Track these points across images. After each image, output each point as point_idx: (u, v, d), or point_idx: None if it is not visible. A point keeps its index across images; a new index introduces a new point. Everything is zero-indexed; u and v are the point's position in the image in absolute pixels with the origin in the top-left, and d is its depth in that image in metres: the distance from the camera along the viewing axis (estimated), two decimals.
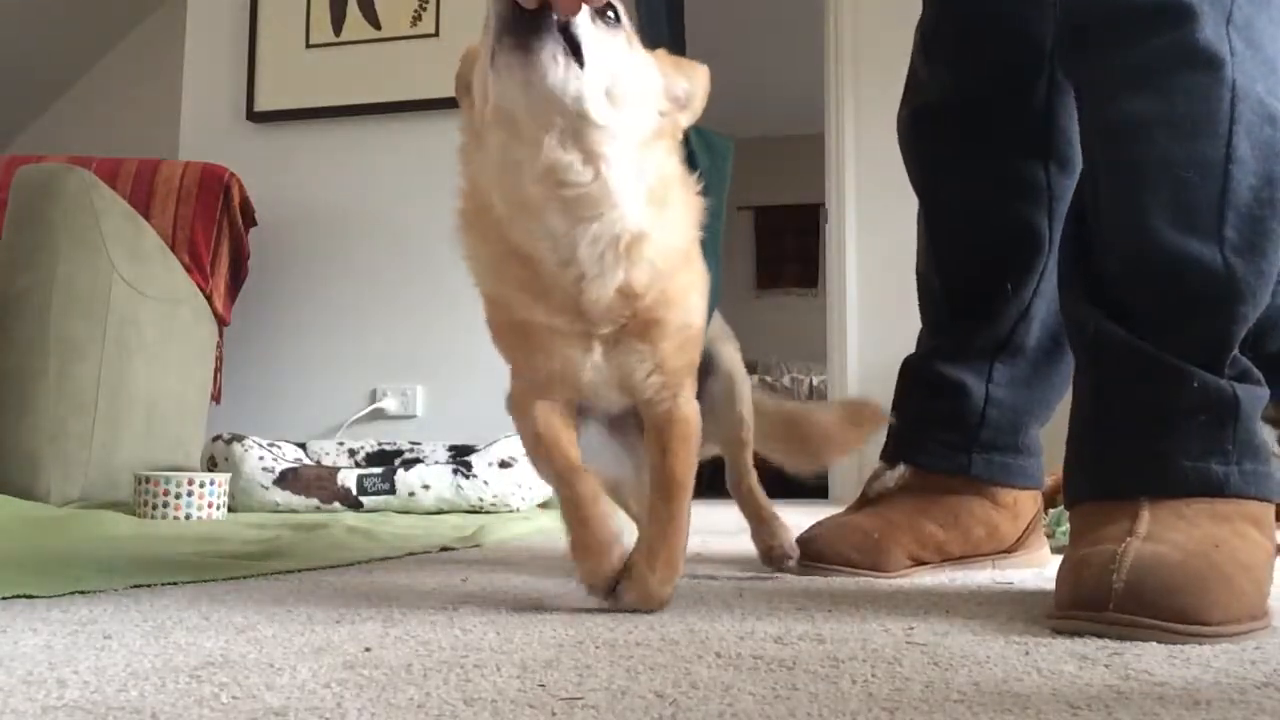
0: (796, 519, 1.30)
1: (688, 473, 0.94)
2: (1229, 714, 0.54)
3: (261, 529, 1.85)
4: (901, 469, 1.28)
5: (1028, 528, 1.31)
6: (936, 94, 1.29)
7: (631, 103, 0.82)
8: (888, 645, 0.73)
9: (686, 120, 0.91)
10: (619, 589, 0.88)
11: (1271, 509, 0.88)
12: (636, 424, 0.99)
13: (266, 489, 2.46)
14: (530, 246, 0.85)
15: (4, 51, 4.42)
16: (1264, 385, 0.90)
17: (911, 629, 0.81)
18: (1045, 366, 1.28)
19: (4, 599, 0.92)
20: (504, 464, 2.52)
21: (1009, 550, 1.29)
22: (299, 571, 1.19)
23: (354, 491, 2.46)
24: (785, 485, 1.67)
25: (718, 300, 1.06)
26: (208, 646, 0.71)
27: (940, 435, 1.28)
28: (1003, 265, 1.26)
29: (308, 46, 3.49)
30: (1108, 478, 0.90)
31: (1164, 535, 0.81)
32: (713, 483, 1.27)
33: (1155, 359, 0.89)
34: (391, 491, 2.47)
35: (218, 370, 3.02)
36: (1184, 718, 0.53)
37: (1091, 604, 0.77)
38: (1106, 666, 0.66)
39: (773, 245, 7.35)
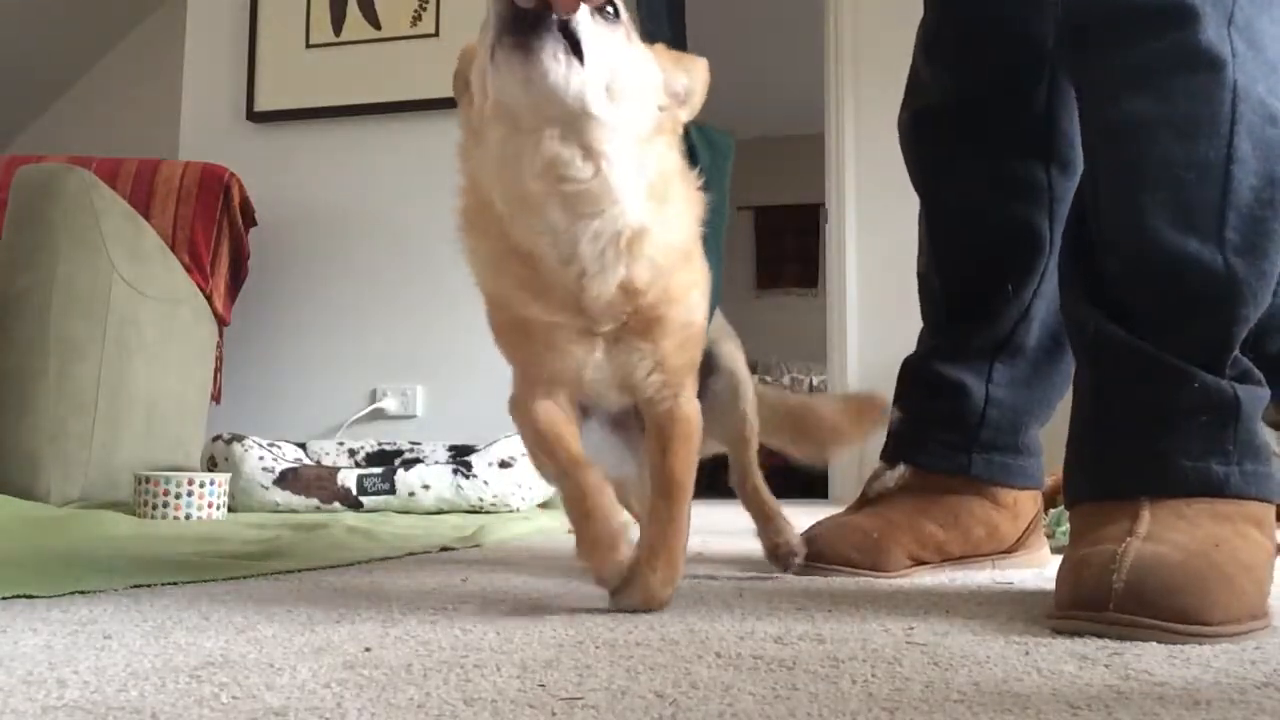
0: (797, 519, 1.30)
1: (688, 473, 0.94)
2: (1229, 714, 0.54)
3: (261, 529, 1.85)
4: (901, 469, 1.28)
5: (1028, 528, 1.31)
6: (938, 96, 1.30)
7: (631, 98, 0.82)
8: (888, 645, 0.73)
9: (686, 115, 0.91)
10: (618, 590, 0.88)
11: (1272, 510, 0.88)
12: (638, 423, 0.99)
13: (266, 489, 2.46)
14: (531, 243, 0.85)
15: (4, 51, 4.42)
16: (1265, 386, 0.90)
17: (911, 629, 0.81)
18: (1045, 366, 1.29)
19: (4, 599, 0.92)
20: (504, 464, 2.52)
21: (1009, 550, 1.29)
22: (299, 571, 1.19)
23: (354, 491, 2.46)
24: (785, 485, 1.67)
25: (719, 298, 1.06)
26: (208, 646, 0.71)
27: (940, 435, 1.28)
28: (1003, 266, 1.26)
29: (308, 46, 3.49)
30: (1108, 478, 0.90)
31: (1164, 535, 0.81)
32: (713, 483, 1.26)
33: (1155, 359, 0.89)
34: (391, 491, 2.47)
35: (218, 370, 3.02)
36: (1184, 718, 0.53)
37: (1092, 604, 0.77)
38: (1106, 666, 0.66)
39: (773, 245, 7.35)
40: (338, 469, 2.54)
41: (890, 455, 1.31)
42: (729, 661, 0.67)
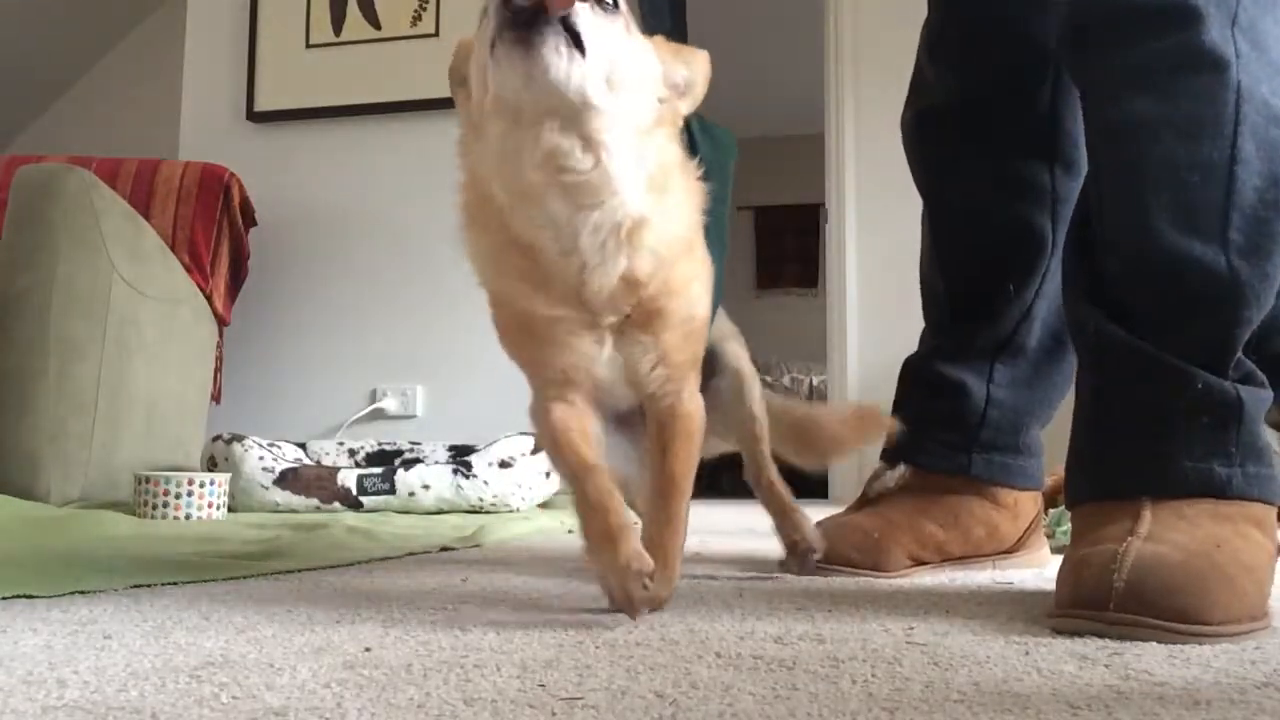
0: None
1: (687, 472, 0.94)
2: (1229, 714, 0.54)
3: (261, 529, 1.85)
4: (902, 469, 1.28)
5: (1028, 528, 1.31)
6: (941, 96, 1.29)
7: (631, 89, 0.82)
8: (888, 645, 0.73)
9: (687, 108, 0.91)
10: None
11: (1273, 511, 0.88)
12: (643, 421, 0.98)
13: (266, 489, 2.46)
14: (531, 236, 0.84)
15: (4, 51, 4.42)
16: (1268, 388, 0.90)
17: (911, 629, 0.81)
18: (1046, 367, 1.28)
19: (4, 599, 0.92)
20: (504, 464, 2.52)
21: (1009, 551, 1.29)
22: (299, 571, 1.19)
23: (354, 491, 2.46)
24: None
25: (722, 293, 1.06)
26: (208, 646, 0.71)
27: (940, 435, 1.28)
28: (1005, 266, 1.26)
29: (308, 46, 3.49)
30: (1109, 478, 0.90)
31: (1165, 535, 0.81)
32: (713, 482, 1.26)
33: (1157, 360, 0.89)
34: (391, 491, 2.47)
35: (218, 370, 3.02)
36: (1184, 718, 0.53)
37: (1092, 603, 0.77)
38: (1106, 666, 0.66)
39: (773, 245, 7.35)
40: (338, 469, 2.54)
41: (890, 455, 1.31)
42: (729, 661, 0.67)
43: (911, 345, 1.37)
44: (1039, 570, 1.28)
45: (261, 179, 3.25)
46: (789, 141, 6.67)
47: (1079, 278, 0.98)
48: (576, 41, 0.77)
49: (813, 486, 3.40)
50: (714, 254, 0.97)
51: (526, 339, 0.91)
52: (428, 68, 3.30)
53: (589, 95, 0.78)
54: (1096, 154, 0.97)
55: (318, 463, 2.70)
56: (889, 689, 0.59)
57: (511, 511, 2.48)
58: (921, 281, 1.37)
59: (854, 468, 3.26)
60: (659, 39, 0.90)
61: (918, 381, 1.33)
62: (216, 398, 3.03)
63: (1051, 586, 0.88)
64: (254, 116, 3.50)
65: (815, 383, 4.89)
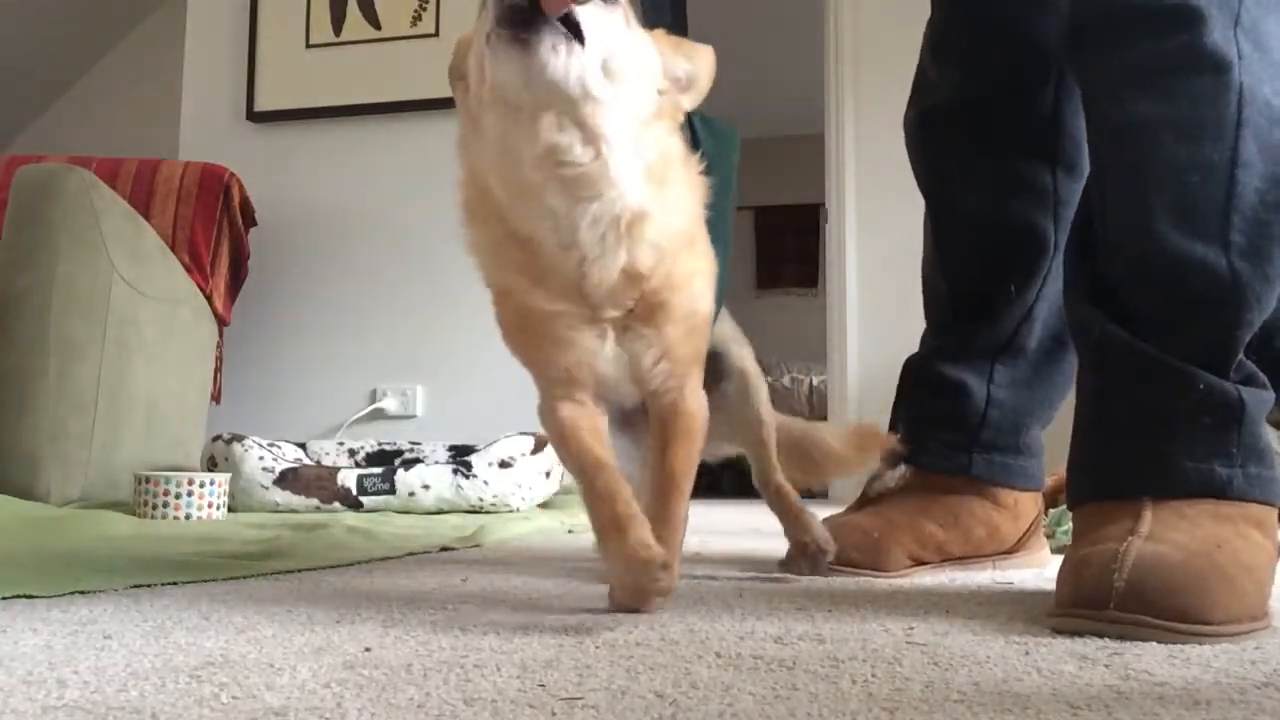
0: None
1: (687, 471, 0.94)
2: (1229, 714, 0.54)
3: (261, 529, 1.85)
4: (902, 469, 1.28)
5: (1029, 529, 1.31)
6: (944, 96, 1.29)
7: (629, 81, 0.82)
8: (888, 645, 0.73)
9: (690, 102, 0.90)
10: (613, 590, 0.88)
11: (1274, 512, 0.88)
12: (646, 422, 0.98)
13: (266, 489, 2.45)
14: (530, 229, 0.84)
15: (4, 51, 4.42)
16: (1269, 389, 0.90)
17: (911, 629, 0.81)
18: (1047, 367, 1.28)
19: (4, 599, 0.92)
20: (504, 464, 2.52)
21: (1010, 551, 1.29)
22: (299, 571, 1.19)
23: (354, 491, 2.46)
24: None
25: (726, 287, 1.05)
26: (208, 646, 0.71)
27: (941, 435, 1.28)
28: (1007, 267, 1.26)
29: (308, 46, 3.49)
30: (1110, 478, 0.90)
31: (1166, 535, 0.81)
32: (713, 483, 1.26)
33: (1159, 361, 0.89)
34: (391, 491, 2.47)
35: (218, 370, 3.02)
36: (1184, 718, 0.53)
37: (1092, 602, 0.77)
38: (1106, 666, 0.66)
39: (773, 245, 7.35)
40: (338, 469, 2.54)
41: (891, 455, 1.31)
42: (729, 661, 0.67)
43: (911, 345, 1.37)
44: (1039, 570, 1.28)
45: (261, 179, 3.25)
46: (789, 141, 6.67)
47: (1081, 279, 0.98)
48: (575, 32, 0.77)
49: (812, 487, 3.40)
50: (717, 249, 0.96)
51: (529, 335, 0.91)
52: (428, 68, 3.30)
53: (587, 85, 0.78)
54: (1098, 155, 0.97)
55: (318, 463, 2.70)
56: (889, 689, 0.59)
57: (511, 511, 2.48)
58: (923, 282, 1.37)
59: None
60: (659, 32, 0.90)
61: (918, 381, 1.33)
62: (216, 398, 3.03)
63: (1051, 586, 0.88)
64: (254, 116, 3.50)
65: (815, 383, 4.89)
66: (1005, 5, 1.23)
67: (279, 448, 2.70)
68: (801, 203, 6.88)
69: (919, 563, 1.22)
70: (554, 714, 0.53)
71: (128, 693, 0.57)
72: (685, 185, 0.89)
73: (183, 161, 3.06)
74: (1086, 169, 1.04)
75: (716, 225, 0.96)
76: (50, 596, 0.95)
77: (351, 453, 2.87)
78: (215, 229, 2.92)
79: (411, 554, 1.42)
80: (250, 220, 3.09)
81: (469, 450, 2.73)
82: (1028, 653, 0.71)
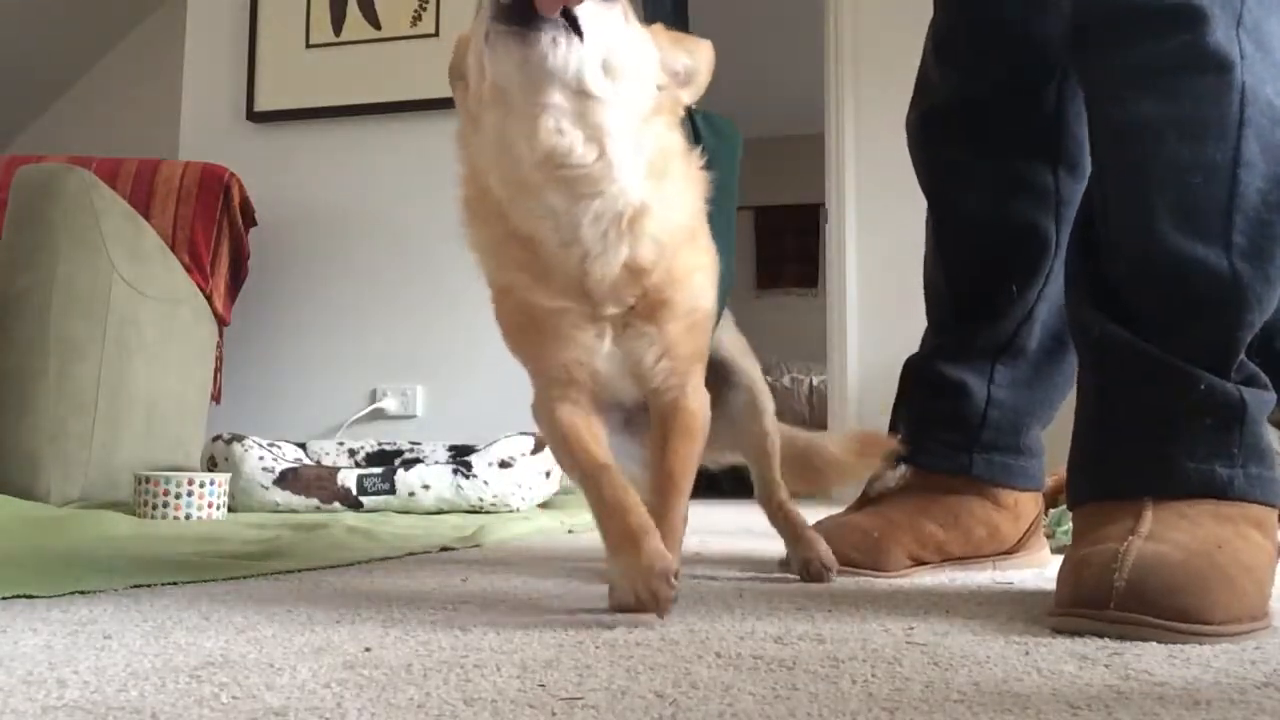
0: None
1: (687, 470, 0.93)
2: (1229, 714, 0.54)
3: (261, 529, 1.85)
4: (902, 469, 1.28)
5: (1029, 529, 1.31)
6: (946, 96, 1.29)
7: (629, 76, 0.82)
8: (888, 645, 0.73)
9: (689, 97, 0.90)
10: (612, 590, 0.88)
11: (1274, 513, 0.88)
12: (648, 422, 0.98)
13: (266, 489, 2.45)
14: (531, 227, 0.84)
15: (4, 51, 4.42)
16: (1270, 390, 0.90)
17: (911, 629, 0.81)
18: (1047, 368, 1.28)
19: (4, 599, 0.92)
20: (504, 464, 2.52)
21: (1010, 551, 1.29)
22: (299, 571, 1.19)
23: (354, 491, 2.46)
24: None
25: (730, 286, 1.05)
26: (208, 646, 0.71)
27: (941, 435, 1.28)
28: (1007, 267, 1.26)
29: (308, 46, 3.48)
30: (1111, 478, 0.90)
31: (1166, 535, 0.81)
32: (713, 483, 1.26)
33: (1160, 361, 0.89)
34: (391, 491, 2.47)
35: (218, 370, 3.02)
36: (1184, 718, 0.53)
37: (1092, 602, 0.77)
38: (1106, 666, 0.66)
39: (773, 245, 7.34)
40: (338, 469, 2.53)
41: (892, 457, 1.31)
42: (729, 661, 0.67)
43: (911, 345, 1.37)
44: (1039, 570, 1.28)
45: (261, 179, 3.25)
46: (789, 141, 6.67)
47: (1082, 279, 0.98)
48: (574, 27, 0.77)
49: None
50: (720, 245, 0.96)
51: (528, 333, 0.90)
52: (428, 68, 3.30)
53: (586, 82, 0.78)
54: (1100, 155, 0.97)
55: (318, 463, 2.70)
56: (889, 689, 0.59)
57: (511, 511, 2.48)
58: (925, 281, 1.37)
59: None
60: (658, 27, 0.90)
61: (919, 381, 1.33)
62: (216, 398, 3.03)
63: (1051, 586, 0.88)
64: (254, 116, 3.50)
65: (815, 383, 4.89)
66: (1005, 6, 1.23)
67: (279, 448, 2.70)
68: (801, 203, 6.88)
69: (919, 563, 1.22)
70: (554, 714, 0.53)
71: (128, 693, 0.57)
72: (685, 180, 0.89)
73: (183, 161, 3.06)
74: (1088, 169, 1.04)
75: (719, 223, 0.96)
76: (50, 596, 0.95)
77: (351, 453, 2.87)
78: (215, 229, 2.92)
79: (411, 554, 1.42)
80: (250, 220, 3.09)
81: (469, 450, 2.73)
82: (1028, 653, 0.71)
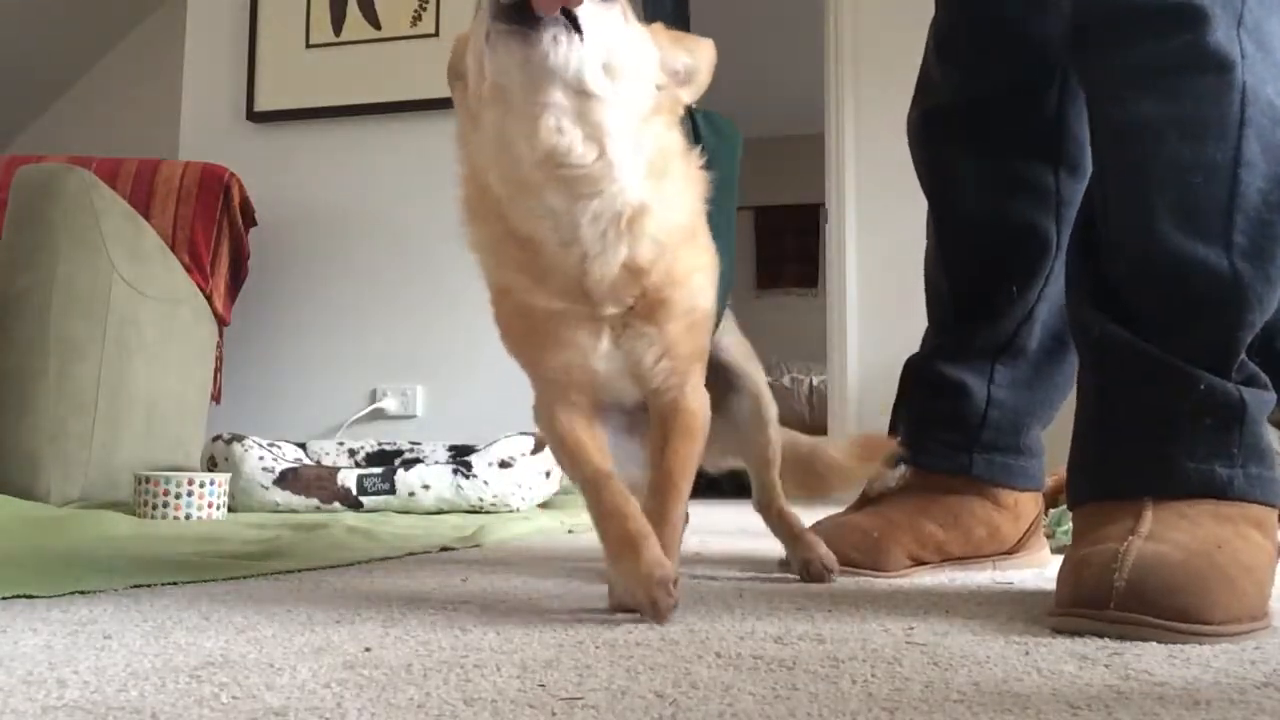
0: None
1: (685, 470, 0.93)
2: (1229, 714, 0.54)
3: (261, 529, 1.85)
4: (902, 468, 1.28)
5: (1029, 529, 1.31)
6: (948, 96, 1.29)
7: (629, 76, 0.81)
8: (888, 645, 0.73)
9: (689, 96, 0.90)
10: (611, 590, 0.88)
11: (1274, 513, 0.88)
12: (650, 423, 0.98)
13: (266, 489, 2.45)
14: (531, 227, 0.84)
15: (4, 51, 4.42)
16: (1270, 390, 0.90)
17: (911, 629, 0.81)
18: (1047, 368, 1.28)
19: (4, 599, 0.92)
20: (504, 464, 2.52)
21: (1010, 551, 1.29)
22: (299, 571, 1.19)
23: (354, 491, 2.46)
24: None
25: (731, 285, 1.05)
26: (208, 646, 0.71)
27: (941, 435, 1.28)
28: (1007, 267, 1.26)
29: (308, 46, 3.48)
30: (1111, 478, 0.90)
31: (1166, 535, 0.81)
32: (713, 483, 1.26)
33: (1161, 362, 0.89)
34: (391, 491, 2.47)
35: (218, 370, 3.02)
36: (1184, 718, 0.53)
37: (1092, 602, 0.77)
38: (1106, 666, 0.66)
39: (773, 245, 7.35)
40: (338, 469, 2.53)
41: (894, 459, 1.31)
42: (729, 661, 0.67)
43: (911, 345, 1.37)
44: (1039, 570, 1.28)
45: (261, 179, 3.25)
46: (789, 141, 6.67)
47: (1083, 279, 0.98)
48: (575, 27, 0.77)
49: None
50: (720, 245, 0.96)
51: (527, 334, 0.90)
52: (428, 68, 3.30)
53: (586, 82, 0.78)
54: (1101, 155, 0.97)
55: (318, 463, 2.70)
56: (889, 689, 0.59)
57: (511, 511, 2.48)
58: (926, 281, 1.37)
59: None
60: (658, 26, 0.90)
61: (919, 381, 1.33)
62: (216, 398, 3.03)
63: (1051, 586, 0.88)
64: (254, 116, 3.50)
65: (815, 383, 4.89)
66: (1006, 5, 1.23)
67: (279, 448, 2.70)
68: (801, 203, 6.88)
69: (919, 563, 1.22)
70: (554, 714, 0.53)
71: (128, 693, 0.57)
72: (685, 180, 0.89)
73: (183, 161, 3.06)
74: (1089, 170, 1.04)
75: (720, 223, 0.96)
76: (50, 596, 0.95)
77: (351, 453, 2.87)
78: (215, 229, 2.92)
79: (411, 554, 1.42)
80: (250, 220, 3.09)
81: (469, 450, 2.73)
82: (1028, 653, 0.71)
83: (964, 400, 1.27)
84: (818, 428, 3.84)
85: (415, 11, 3.41)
